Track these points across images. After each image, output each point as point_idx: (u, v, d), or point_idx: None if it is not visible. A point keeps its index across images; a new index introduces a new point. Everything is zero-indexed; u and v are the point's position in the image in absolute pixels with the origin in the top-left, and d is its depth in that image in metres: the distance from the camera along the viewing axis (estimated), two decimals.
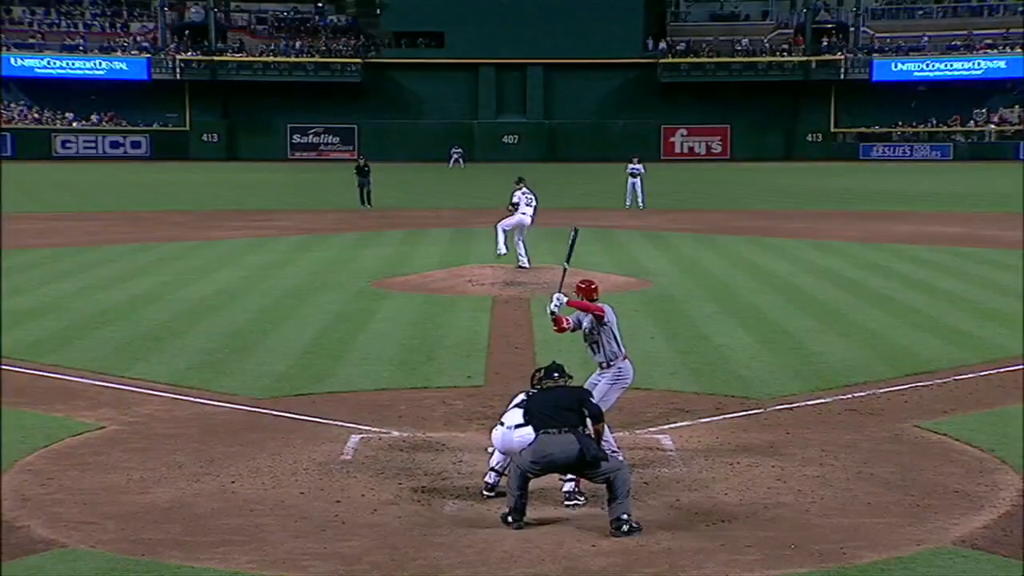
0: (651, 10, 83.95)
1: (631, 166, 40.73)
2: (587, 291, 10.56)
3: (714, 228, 33.83)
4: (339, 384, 13.85)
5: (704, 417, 12.34)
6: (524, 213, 22.93)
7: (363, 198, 40.83)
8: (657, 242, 29.69)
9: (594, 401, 9.49)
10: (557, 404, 9.21)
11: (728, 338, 16.59)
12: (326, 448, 11.15)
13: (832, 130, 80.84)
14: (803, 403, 12.95)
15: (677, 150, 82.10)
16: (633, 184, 40.23)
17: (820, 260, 25.93)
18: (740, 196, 48.10)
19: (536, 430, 9.13)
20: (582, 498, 9.53)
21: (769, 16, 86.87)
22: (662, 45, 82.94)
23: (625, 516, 8.79)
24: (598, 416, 9.37)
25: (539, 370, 10.04)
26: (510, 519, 8.97)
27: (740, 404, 12.91)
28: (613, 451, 10.02)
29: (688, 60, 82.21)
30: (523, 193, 23.10)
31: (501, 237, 23.00)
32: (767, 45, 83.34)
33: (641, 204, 39.84)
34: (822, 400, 13.10)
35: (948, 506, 9.51)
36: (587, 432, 9.19)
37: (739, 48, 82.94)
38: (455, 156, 72.35)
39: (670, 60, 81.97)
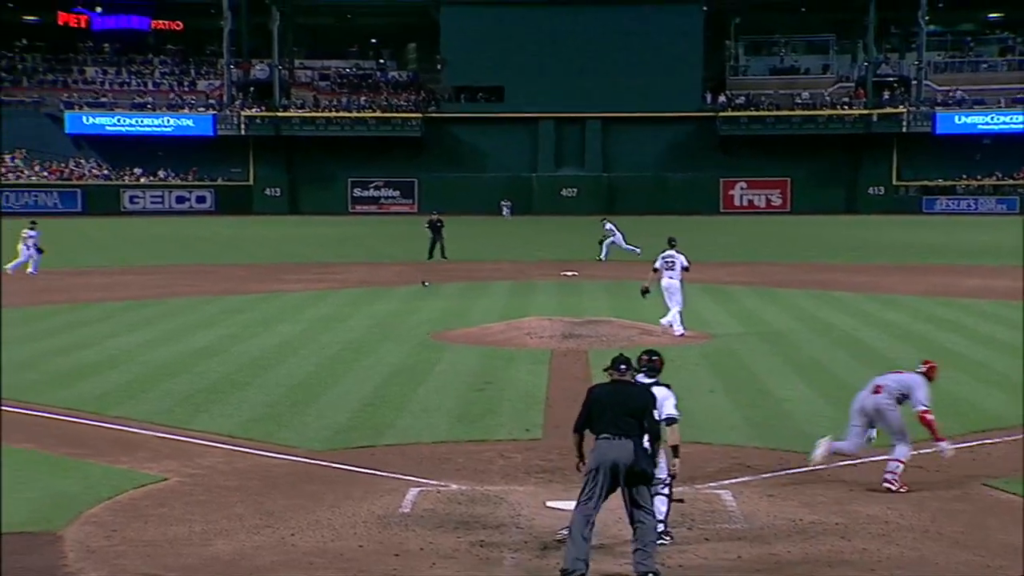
0: (710, 64, 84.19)
1: (607, 226, 41.18)
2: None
3: (775, 281, 33.54)
4: (398, 436, 13.87)
5: (766, 473, 12.17)
6: (671, 277, 21.95)
7: (432, 252, 40.98)
8: (717, 295, 29.49)
9: (656, 416, 9.39)
10: (624, 408, 9.10)
11: (790, 392, 16.39)
12: (385, 501, 11.16)
13: (894, 183, 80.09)
14: (867, 460, 12.73)
15: (736, 203, 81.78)
16: (612, 242, 40.79)
17: (883, 314, 25.59)
18: (801, 249, 47.70)
19: (596, 431, 9.13)
20: (668, 538, 9.63)
21: (830, 70, 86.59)
22: (721, 98, 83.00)
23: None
24: (658, 435, 9.37)
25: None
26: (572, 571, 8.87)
27: (803, 460, 12.70)
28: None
29: (748, 113, 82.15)
30: (662, 257, 22.23)
31: (673, 310, 21.81)
32: (828, 98, 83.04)
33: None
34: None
35: (1019, 568, 9.25)
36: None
37: (799, 101, 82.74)
38: (505, 208, 73.31)
39: (729, 113, 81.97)
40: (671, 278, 22.05)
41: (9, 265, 35.50)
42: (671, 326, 21.90)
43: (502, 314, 25.27)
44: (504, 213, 73.15)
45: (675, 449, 9.84)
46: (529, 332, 22.00)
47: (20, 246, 35.98)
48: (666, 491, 9.90)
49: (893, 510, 10.83)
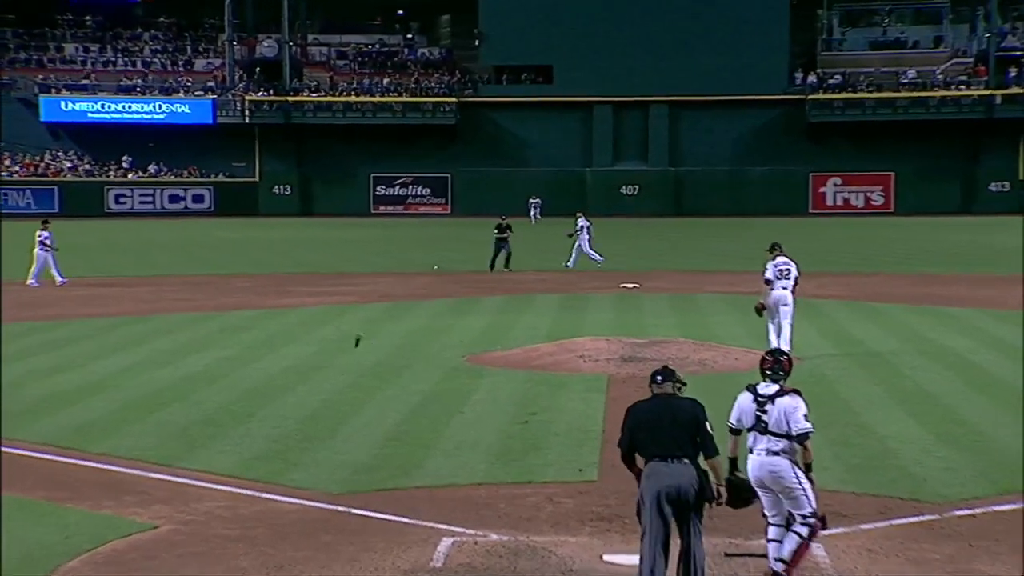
0: (799, 38, 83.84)
1: (580, 223, 42.43)
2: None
3: (875, 295, 33.34)
4: (428, 477, 13.91)
5: (865, 523, 12.09)
6: (784, 288, 21.94)
7: (494, 262, 41.18)
8: (806, 311, 29.28)
9: (709, 429, 9.52)
10: (672, 425, 9.31)
11: (894, 428, 16.28)
12: (413, 553, 11.19)
13: (1021, 177, 79.38)
14: (989, 508, 12.59)
15: (829, 202, 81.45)
16: (580, 243, 42.19)
17: (1007, 335, 25.34)
18: (906, 257, 47.35)
19: (646, 455, 9.35)
20: None
21: (943, 43, 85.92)
22: (812, 78, 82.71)
23: None
24: (714, 449, 9.48)
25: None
26: None
27: (910, 508, 12.61)
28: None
29: (843, 96, 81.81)
30: (774, 265, 22.16)
31: (772, 332, 21.91)
32: (940, 77, 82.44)
33: (581, 260, 41.44)
34: (1014, 505, 12.71)
35: None
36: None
37: (905, 81, 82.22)
38: (533, 208, 72.42)
39: (821, 96, 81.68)
40: (784, 288, 21.98)
41: (31, 279, 36.19)
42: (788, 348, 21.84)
43: (550, 333, 25.32)
44: (532, 214, 72.10)
45: (808, 467, 9.99)
46: (582, 354, 22.03)
47: (36, 250, 36.84)
48: (804, 531, 9.95)
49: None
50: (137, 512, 12.59)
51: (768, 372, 10.19)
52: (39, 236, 37.07)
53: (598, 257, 42.01)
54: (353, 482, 13.74)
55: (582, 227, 42.40)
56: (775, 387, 10.07)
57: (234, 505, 12.92)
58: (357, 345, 18.66)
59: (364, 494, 13.24)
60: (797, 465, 9.96)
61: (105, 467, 14.49)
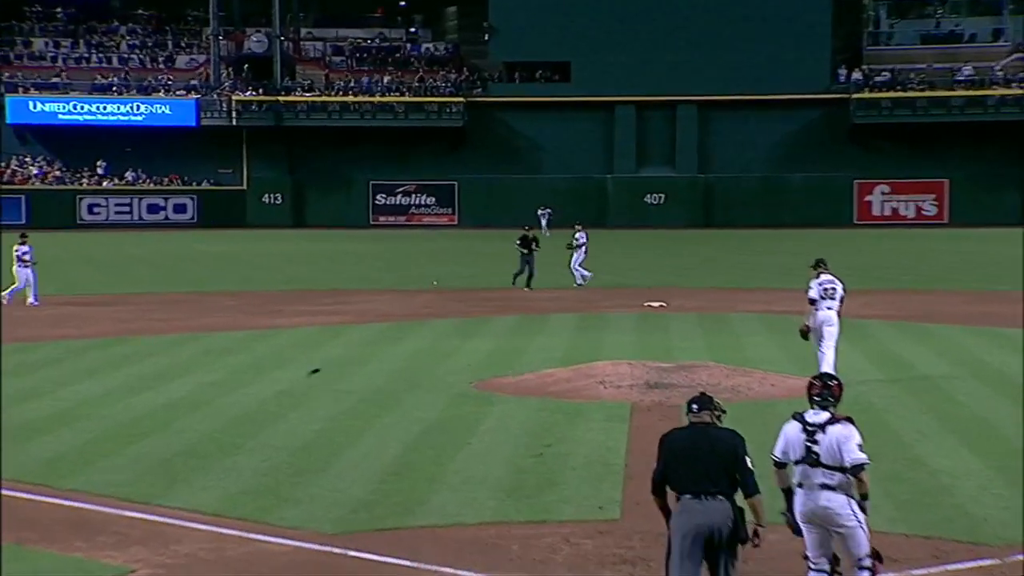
0: (842, 31, 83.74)
1: (579, 233, 42.62)
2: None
3: (926, 315, 33.29)
4: (432, 516, 13.91)
5: (917, 567, 12.05)
6: (829, 308, 21.96)
7: (518, 276, 41.22)
8: (850, 332, 29.21)
9: (749, 464, 9.57)
10: (708, 457, 9.45)
11: (948, 462, 16.24)
12: None
13: None
14: None
15: (876, 212, 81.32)
16: (575, 258, 42.46)
17: None
18: (961, 273, 47.30)
19: (679, 489, 9.49)
20: None
21: (1003, 36, 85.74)
22: (857, 76, 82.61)
23: None
24: (754, 487, 9.54)
25: None
26: None
27: (967, 551, 12.57)
28: None
29: (892, 95, 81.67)
30: (819, 283, 22.19)
31: (823, 358, 21.90)
32: (1000, 74, 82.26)
33: (580, 280, 41.87)
34: None
35: None
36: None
37: (960, 79, 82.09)
38: (543, 218, 71.69)
39: (867, 95, 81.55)
40: (830, 308, 21.98)
41: (6, 293, 36.27)
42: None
43: (566, 356, 25.31)
44: (542, 224, 71.29)
45: (864, 496, 9.99)
46: (602, 380, 22.02)
47: (15, 268, 36.89)
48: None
49: None
50: (111, 555, 12.58)
51: (816, 398, 10.19)
52: (16, 251, 37.04)
53: (587, 273, 42.03)
54: (350, 521, 13.73)
55: (582, 243, 42.39)
56: (825, 415, 10.06)
57: (219, 546, 12.91)
58: (314, 371, 18.76)
59: (362, 534, 13.24)
60: (853, 499, 9.96)
61: (77, 505, 14.48)
